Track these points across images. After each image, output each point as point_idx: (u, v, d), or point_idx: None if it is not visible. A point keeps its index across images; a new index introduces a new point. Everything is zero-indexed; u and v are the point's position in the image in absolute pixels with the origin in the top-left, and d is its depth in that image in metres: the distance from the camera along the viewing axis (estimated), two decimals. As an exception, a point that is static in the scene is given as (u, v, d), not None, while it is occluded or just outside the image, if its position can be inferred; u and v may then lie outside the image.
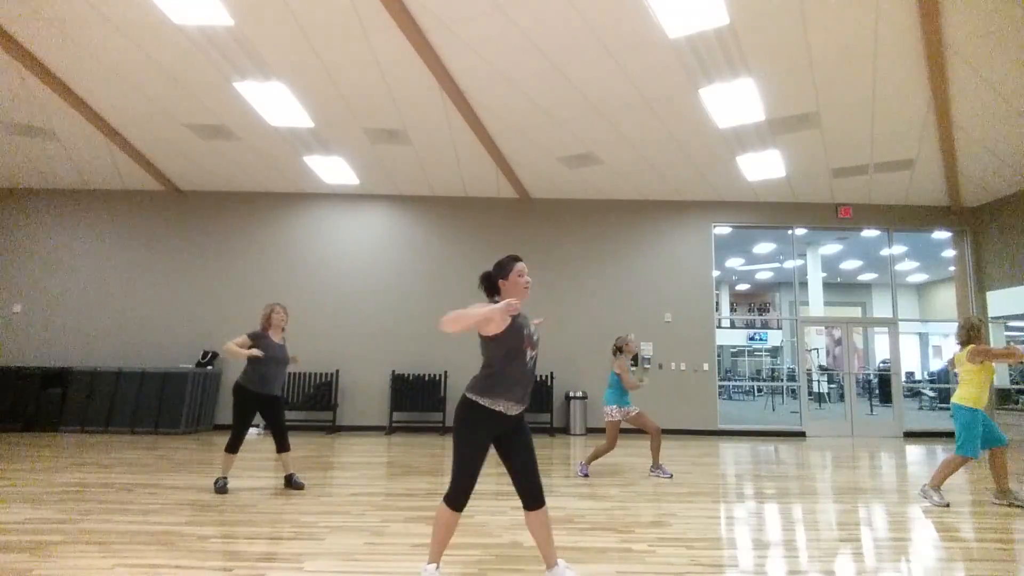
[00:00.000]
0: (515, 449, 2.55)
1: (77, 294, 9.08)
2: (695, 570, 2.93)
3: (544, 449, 7.13)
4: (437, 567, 2.51)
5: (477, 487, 4.63)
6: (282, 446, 4.73)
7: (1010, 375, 9.72)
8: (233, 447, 4.57)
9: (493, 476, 5.20)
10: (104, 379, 8.17)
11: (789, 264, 14.60)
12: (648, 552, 3.20)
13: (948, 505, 4.42)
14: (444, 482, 4.98)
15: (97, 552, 3.02)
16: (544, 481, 5.08)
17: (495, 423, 2.50)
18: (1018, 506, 4.41)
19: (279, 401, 4.72)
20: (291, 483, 4.69)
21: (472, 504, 4.17)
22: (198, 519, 3.70)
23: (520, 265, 2.60)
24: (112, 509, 3.90)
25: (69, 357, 8.85)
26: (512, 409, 2.52)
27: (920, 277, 17.86)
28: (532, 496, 2.53)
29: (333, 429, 8.64)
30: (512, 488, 4.73)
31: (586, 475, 5.35)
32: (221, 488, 4.49)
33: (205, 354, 8.76)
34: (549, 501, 4.35)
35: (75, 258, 9.20)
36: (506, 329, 2.49)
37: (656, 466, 5.46)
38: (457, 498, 2.47)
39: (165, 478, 4.98)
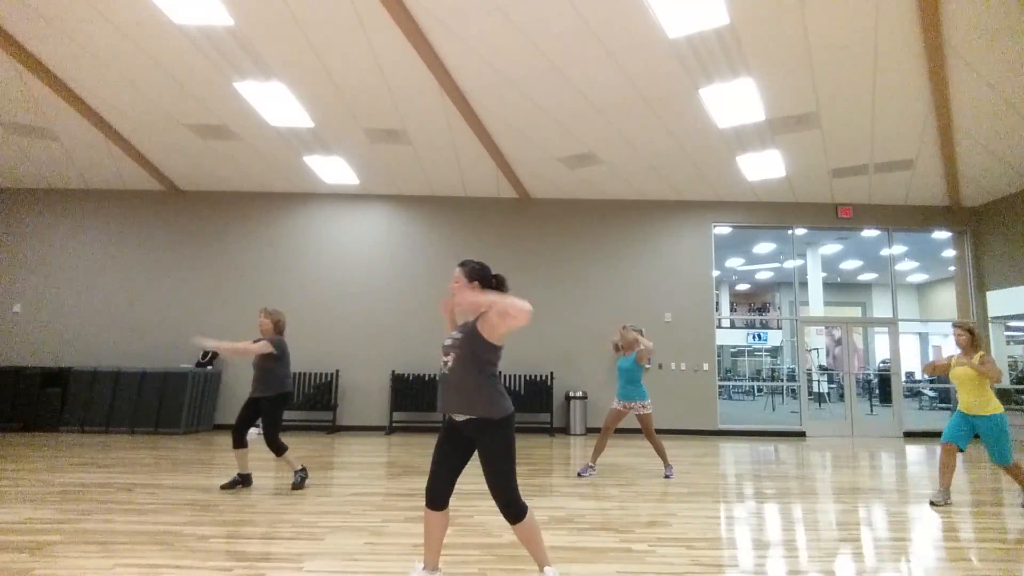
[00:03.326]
0: (482, 468, 2.46)
1: (77, 294, 9.08)
2: (695, 570, 2.93)
3: (544, 449, 7.13)
4: (424, 568, 2.50)
5: (477, 487, 4.64)
6: (273, 452, 4.62)
7: (1010, 375, 9.73)
8: (233, 442, 4.54)
9: (493, 476, 5.19)
10: (104, 379, 8.16)
11: (789, 264, 14.60)
12: (648, 552, 3.20)
13: (942, 505, 4.43)
14: (444, 482, 4.98)
15: (97, 552, 3.02)
16: (544, 481, 5.14)
17: (448, 426, 2.54)
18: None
19: (262, 403, 4.55)
20: (292, 483, 4.67)
21: (472, 504, 4.17)
22: (198, 519, 3.70)
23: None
24: (112, 509, 3.90)
25: (69, 357, 8.84)
26: (442, 408, 2.51)
27: (920, 277, 17.86)
28: (502, 513, 2.42)
29: (333, 429, 8.64)
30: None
31: (580, 475, 5.35)
32: (229, 484, 4.53)
33: (205, 354, 8.77)
34: (549, 501, 4.36)
35: (75, 258, 9.20)
36: None
37: (667, 466, 5.47)
38: (425, 491, 2.49)
39: (165, 478, 4.98)
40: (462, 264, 2.60)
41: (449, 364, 2.46)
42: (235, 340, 4.58)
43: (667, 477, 5.34)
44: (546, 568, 2.49)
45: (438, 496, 2.46)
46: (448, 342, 2.50)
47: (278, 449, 4.62)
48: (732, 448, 7.54)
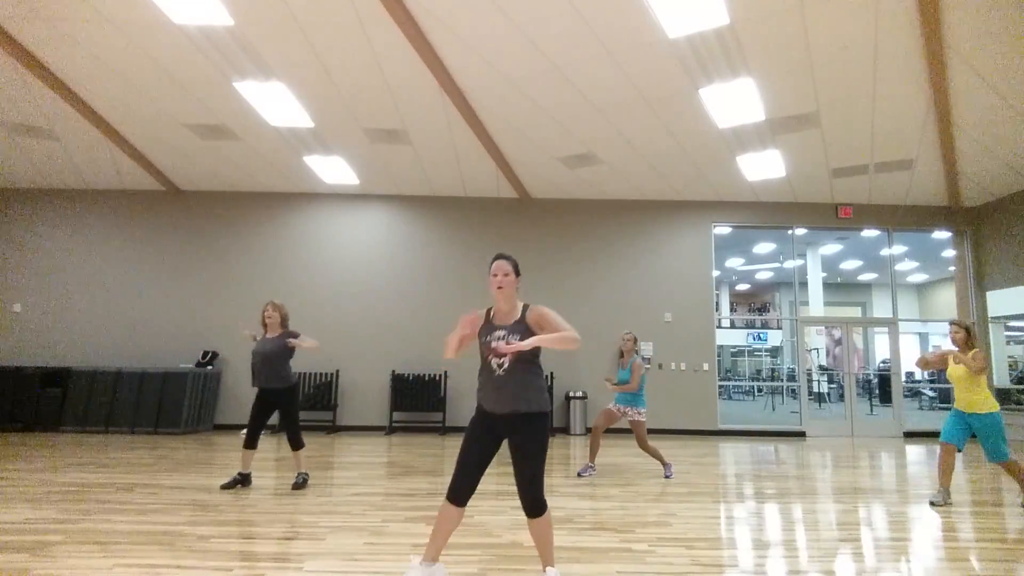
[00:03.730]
0: (511, 455, 2.54)
1: (77, 294, 9.08)
2: (695, 570, 2.93)
3: (544, 449, 7.12)
4: (422, 561, 2.50)
5: (477, 487, 4.64)
6: (291, 444, 4.73)
7: (1010, 375, 9.72)
8: (245, 442, 4.61)
9: (493, 476, 5.20)
10: (104, 379, 8.16)
11: (789, 264, 14.60)
12: (648, 552, 3.20)
13: (942, 505, 4.43)
14: (444, 482, 4.98)
15: (97, 552, 3.02)
16: (544, 481, 5.10)
17: (482, 417, 2.58)
18: None
19: (279, 396, 4.65)
20: (293, 483, 4.71)
21: (472, 504, 4.16)
22: (198, 519, 3.70)
23: (495, 264, 2.60)
24: (112, 509, 3.90)
25: (69, 357, 8.84)
26: (492, 408, 2.54)
27: (920, 277, 17.86)
28: (523, 505, 2.50)
29: (333, 429, 8.64)
30: (512, 488, 4.71)
31: (580, 475, 5.35)
32: (229, 484, 4.56)
33: (205, 354, 8.76)
34: (549, 501, 4.30)
35: (75, 258, 9.20)
36: (479, 334, 2.62)
37: (666, 466, 5.47)
38: (449, 487, 2.50)
39: (165, 478, 4.98)
40: (505, 257, 2.61)
41: (505, 367, 2.50)
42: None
43: (667, 477, 5.34)
44: (548, 568, 2.51)
45: (464, 492, 2.49)
46: (503, 340, 2.51)
47: (297, 442, 4.72)
48: (732, 448, 7.54)
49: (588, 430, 8.69)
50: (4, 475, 4.97)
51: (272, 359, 4.61)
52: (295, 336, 4.69)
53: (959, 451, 4.52)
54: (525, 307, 2.61)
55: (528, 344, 2.38)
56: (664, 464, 5.44)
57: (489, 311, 2.69)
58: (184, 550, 3.08)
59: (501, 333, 2.53)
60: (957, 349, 4.61)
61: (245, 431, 4.63)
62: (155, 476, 5.05)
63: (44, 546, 3.10)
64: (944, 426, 4.56)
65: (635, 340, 5.59)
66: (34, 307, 9.03)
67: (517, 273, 2.64)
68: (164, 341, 8.94)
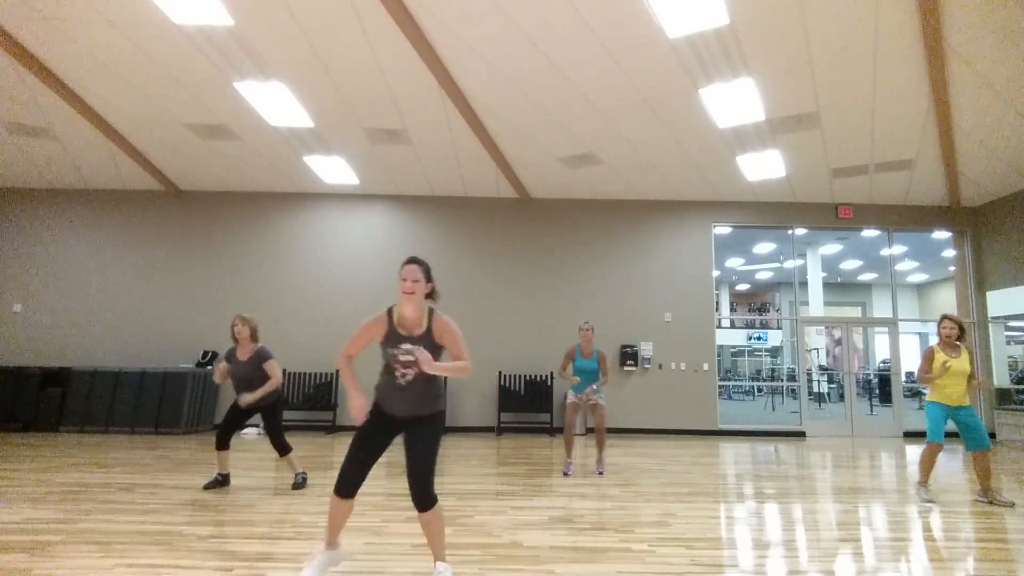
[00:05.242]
0: (406, 450, 2.59)
1: (77, 294, 9.08)
2: (695, 570, 2.93)
3: (544, 449, 7.13)
4: (328, 547, 2.64)
5: (478, 487, 4.64)
6: (278, 452, 4.70)
7: (1010, 375, 9.72)
8: (217, 444, 4.58)
9: (493, 476, 5.19)
10: (104, 379, 8.16)
11: (789, 264, 14.60)
12: (648, 552, 3.20)
13: (931, 502, 4.44)
14: (443, 481, 4.98)
15: (97, 552, 3.02)
16: (544, 481, 5.14)
17: (379, 417, 2.62)
18: (1001, 504, 4.43)
19: (264, 409, 4.62)
20: (292, 483, 4.72)
21: (472, 504, 4.16)
22: (198, 519, 3.70)
23: (405, 268, 2.56)
24: (112, 509, 3.90)
25: (69, 357, 8.84)
26: (392, 411, 2.60)
27: (920, 277, 17.86)
28: (413, 498, 2.53)
29: (333, 429, 8.64)
30: (512, 488, 4.73)
31: (566, 474, 5.36)
32: (210, 484, 4.58)
33: (205, 354, 8.76)
34: (549, 501, 4.35)
35: (75, 258, 9.20)
36: (382, 340, 2.59)
37: (600, 462, 5.58)
38: (339, 480, 2.55)
39: (165, 478, 4.98)
40: (417, 262, 2.59)
41: (409, 378, 2.56)
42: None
43: (599, 473, 5.41)
44: (439, 563, 2.58)
45: (354, 486, 2.56)
46: (408, 359, 2.53)
47: (283, 448, 4.69)
48: (732, 448, 7.54)
49: (589, 430, 8.69)
50: (4, 475, 4.97)
51: (249, 383, 4.50)
52: (267, 354, 4.56)
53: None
54: (430, 316, 2.59)
55: (433, 370, 2.45)
56: (600, 459, 5.54)
57: (391, 313, 2.62)
58: (184, 550, 3.08)
59: (408, 347, 2.53)
60: (939, 343, 4.70)
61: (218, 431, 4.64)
62: (155, 476, 5.05)
63: (44, 546, 3.10)
64: (934, 426, 4.59)
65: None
66: (34, 307, 9.03)
67: (428, 279, 2.61)
68: (164, 341, 8.94)
